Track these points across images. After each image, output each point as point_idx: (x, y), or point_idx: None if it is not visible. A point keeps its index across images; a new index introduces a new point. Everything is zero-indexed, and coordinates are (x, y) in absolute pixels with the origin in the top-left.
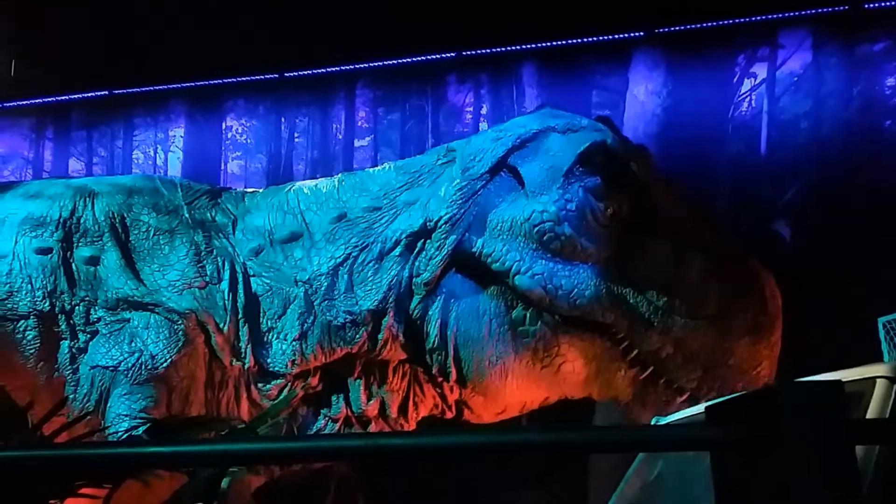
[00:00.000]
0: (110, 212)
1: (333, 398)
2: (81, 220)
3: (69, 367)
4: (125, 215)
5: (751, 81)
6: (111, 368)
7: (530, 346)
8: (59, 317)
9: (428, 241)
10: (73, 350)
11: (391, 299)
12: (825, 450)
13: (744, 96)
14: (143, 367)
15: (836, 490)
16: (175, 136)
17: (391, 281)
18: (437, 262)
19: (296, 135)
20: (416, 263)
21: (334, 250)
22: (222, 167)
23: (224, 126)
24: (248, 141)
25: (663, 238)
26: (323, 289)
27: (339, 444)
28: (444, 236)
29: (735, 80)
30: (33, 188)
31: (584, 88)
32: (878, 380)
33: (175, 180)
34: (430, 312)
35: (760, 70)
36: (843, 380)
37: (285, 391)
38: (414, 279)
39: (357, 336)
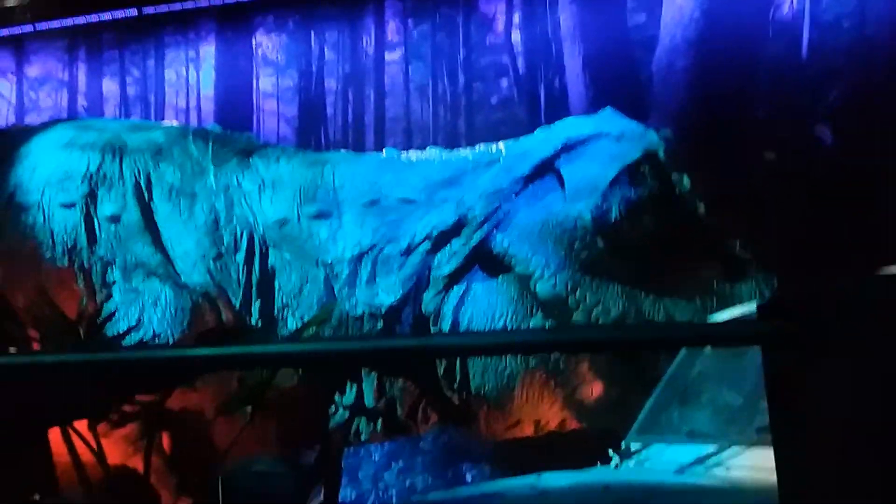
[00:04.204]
0: (136, 168)
1: (348, 386)
2: (108, 176)
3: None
4: (151, 173)
5: None
6: (114, 338)
7: (545, 360)
8: (78, 274)
9: (456, 237)
10: (89, 310)
11: (411, 295)
12: (884, 342)
13: None
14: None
15: (889, 383)
16: (206, 53)
17: (414, 278)
18: (461, 256)
19: (326, 49)
20: (438, 257)
21: (361, 237)
22: (254, 84)
23: (254, 43)
24: (279, 57)
25: (714, 259)
26: (344, 275)
27: (391, 345)
28: (472, 232)
29: None
30: (66, 135)
31: None
32: None
33: (210, 135)
34: (443, 309)
35: None
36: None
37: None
38: (433, 271)
39: (374, 329)
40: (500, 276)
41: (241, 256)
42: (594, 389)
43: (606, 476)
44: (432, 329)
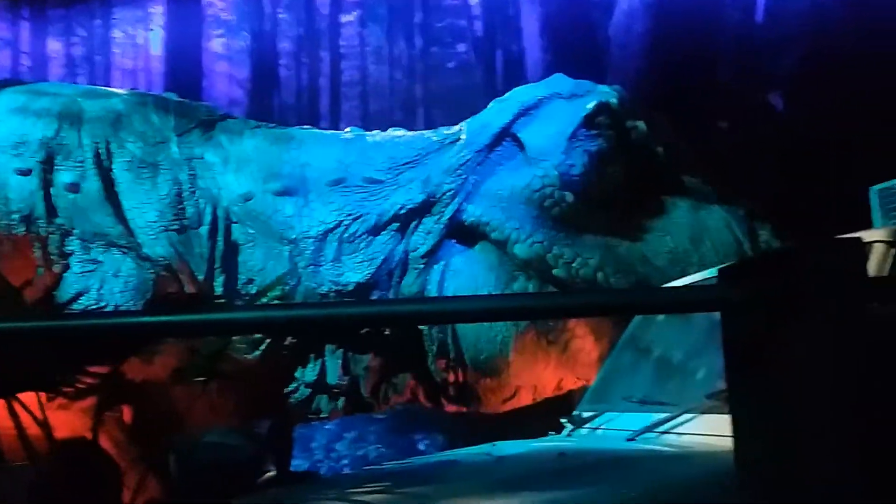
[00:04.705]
0: (96, 134)
1: (311, 364)
2: (65, 142)
3: (40, 299)
4: (110, 141)
5: None
6: (62, 305)
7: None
8: (34, 244)
9: (427, 215)
10: (46, 281)
11: (383, 274)
12: (842, 307)
13: None
14: None
15: (850, 347)
16: (155, 13)
17: (385, 256)
18: (435, 234)
19: (279, 11)
20: (414, 238)
21: (326, 215)
22: (205, 45)
23: (204, 2)
24: (231, 18)
25: (681, 198)
26: (309, 252)
27: (348, 312)
28: (443, 208)
29: None
30: (18, 100)
31: None
32: (876, 244)
33: (170, 103)
34: (427, 288)
35: None
36: None
37: (263, 346)
38: (410, 254)
39: None
40: (478, 246)
41: (204, 230)
42: (586, 343)
43: (560, 443)
44: None
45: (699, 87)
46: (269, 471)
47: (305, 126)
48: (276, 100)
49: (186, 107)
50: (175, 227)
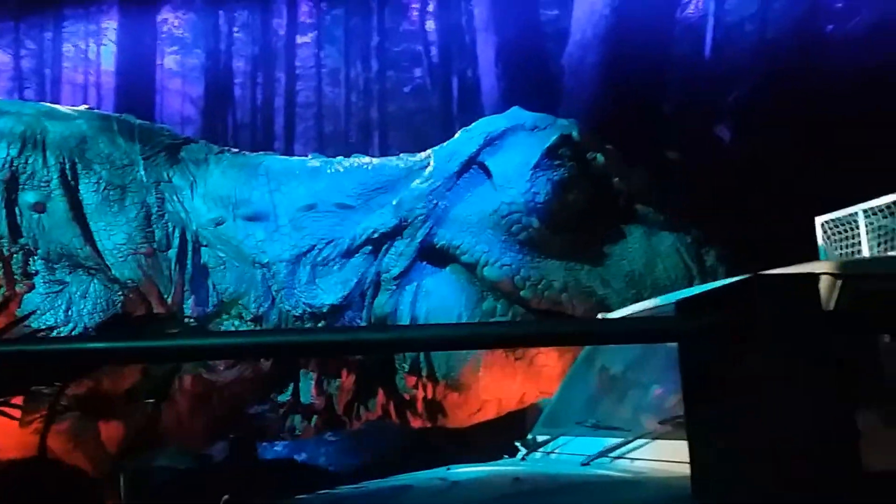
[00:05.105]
0: (62, 156)
1: (284, 385)
2: (30, 161)
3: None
4: (76, 161)
5: None
6: (44, 332)
7: None
8: None
9: (399, 238)
10: (7, 299)
11: (356, 295)
12: (797, 339)
13: None
14: None
15: (807, 378)
16: (108, 28)
17: (358, 278)
18: (407, 256)
19: (235, 29)
20: (386, 260)
21: (299, 239)
22: (158, 62)
23: (159, 19)
24: (185, 35)
25: (635, 225)
26: (282, 276)
27: (305, 339)
28: (414, 232)
29: None
30: None
31: None
32: (823, 276)
33: (134, 126)
34: (400, 308)
35: None
36: None
37: (236, 367)
38: (383, 275)
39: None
40: (448, 269)
41: (173, 253)
42: (550, 359)
43: (514, 468)
44: None
45: (649, 118)
46: (224, 496)
47: (269, 152)
48: (230, 118)
49: (149, 130)
50: (143, 249)
